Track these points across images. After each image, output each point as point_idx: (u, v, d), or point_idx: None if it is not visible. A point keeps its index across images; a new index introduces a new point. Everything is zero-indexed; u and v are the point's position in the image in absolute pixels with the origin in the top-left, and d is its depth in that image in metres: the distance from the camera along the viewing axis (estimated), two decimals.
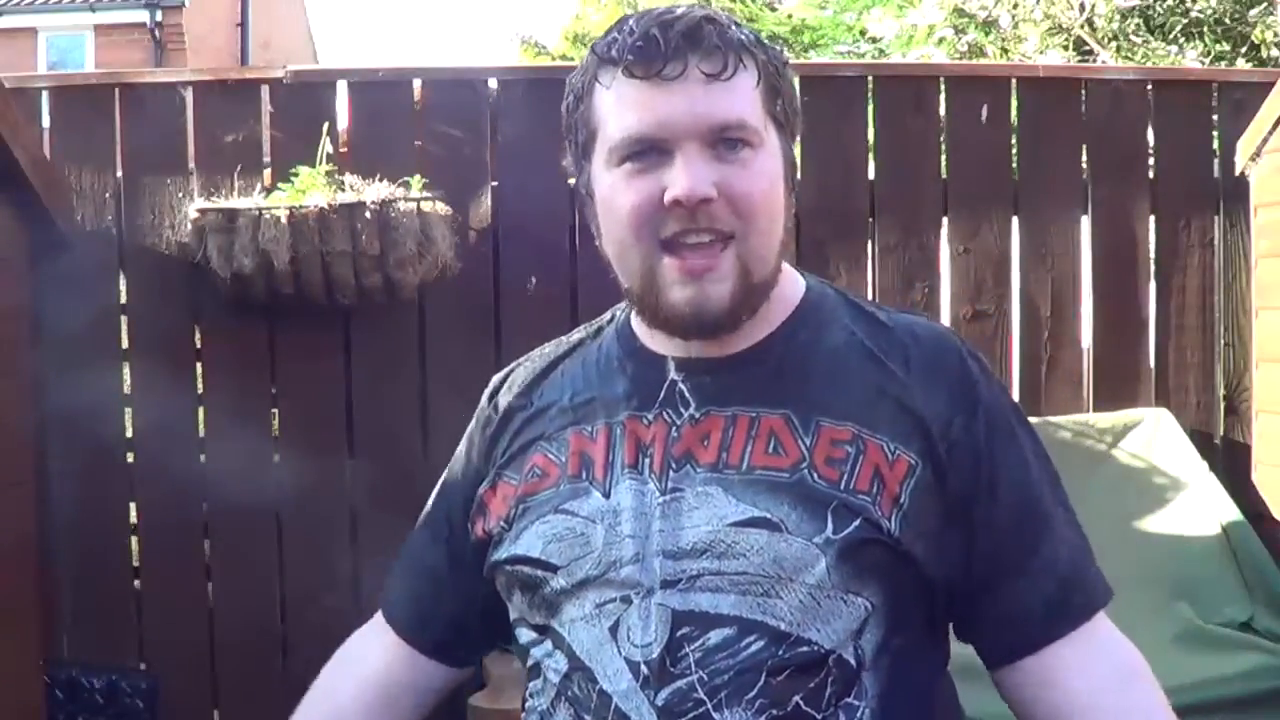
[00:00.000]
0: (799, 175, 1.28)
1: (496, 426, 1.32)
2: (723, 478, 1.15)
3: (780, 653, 1.10)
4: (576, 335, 1.35)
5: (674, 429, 1.19)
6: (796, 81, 1.24)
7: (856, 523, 1.11)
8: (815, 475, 1.13)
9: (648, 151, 1.14)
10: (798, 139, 1.24)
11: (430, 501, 1.42)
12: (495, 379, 1.37)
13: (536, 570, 1.19)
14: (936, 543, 1.14)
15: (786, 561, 1.10)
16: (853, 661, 1.11)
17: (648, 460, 1.18)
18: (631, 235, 1.16)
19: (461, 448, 1.38)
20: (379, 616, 1.42)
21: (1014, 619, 1.17)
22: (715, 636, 1.10)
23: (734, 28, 1.16)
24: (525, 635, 1.23)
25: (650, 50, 1.12)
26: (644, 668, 1.11)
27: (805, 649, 1.10)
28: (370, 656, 1.39)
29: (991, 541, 1.16)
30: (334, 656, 1.43)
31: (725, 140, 1.14)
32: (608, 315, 1.34)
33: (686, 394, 1.21)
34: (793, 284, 1.27)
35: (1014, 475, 1.18)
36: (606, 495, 1.19)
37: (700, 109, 1.12)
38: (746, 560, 1.11)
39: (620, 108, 1.15)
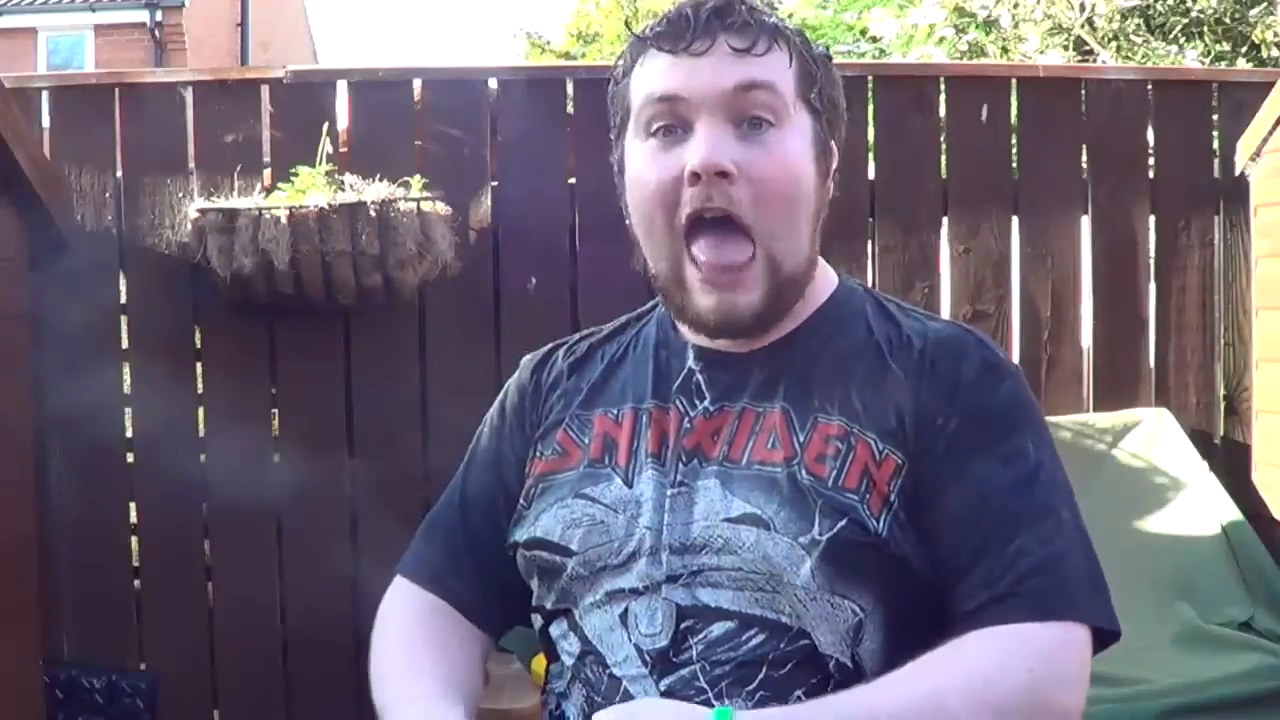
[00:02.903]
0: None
1: (542, 399, 1.31)
2: (723, 472, 1.16)
3: (782, 646, 1.10)
4: (620, 320, 1.36)
5: (687, 419, 1.20)
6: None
7: (842, 523, 1.11)
8: (805, 472, 1.14)
9: (672, 125, 1.15)
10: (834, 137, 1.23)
11: (461, 472, 1.37)
12: (531, 356, 1.36)
13: (555, 555, 1.20)
14: (924, 542, 1.12)
15: (774, 560, 1.11)
16: (851, 666, 1.10)
17: (668, 451, 1.19)
18: (653, 216, 1.17)
19: (498, 421, 1.35)
20: (400, 582, 1.34)
21: (961, 622, 1.10)
22: (718, 629, 1.12)
23: (770, 15, 1.17)
24: (542, 618, 1.24)
25: (679, 25, 1.14)
26: (650, 655, 1.13)
27: (807, 643, 1.10)
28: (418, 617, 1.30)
29: (938, 546, 1.12)
30: (385, 631, 1.30)
31: (749, 119, 1.14)
32: (654, 302, 1.33)
33: (703, 386, 1.21)
34: (822, 283, 1.26)
35: (972, 482, 1.12)
36: (629, 484, 1.19)
37: (724, 74, 1.13)
38: (739, 557, 1.12)
39: (648, 77, 1.17)
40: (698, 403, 1.21)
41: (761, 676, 1.10)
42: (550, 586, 1.22)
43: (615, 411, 1.24)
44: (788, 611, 1.10)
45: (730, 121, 1.14)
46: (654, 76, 1.16)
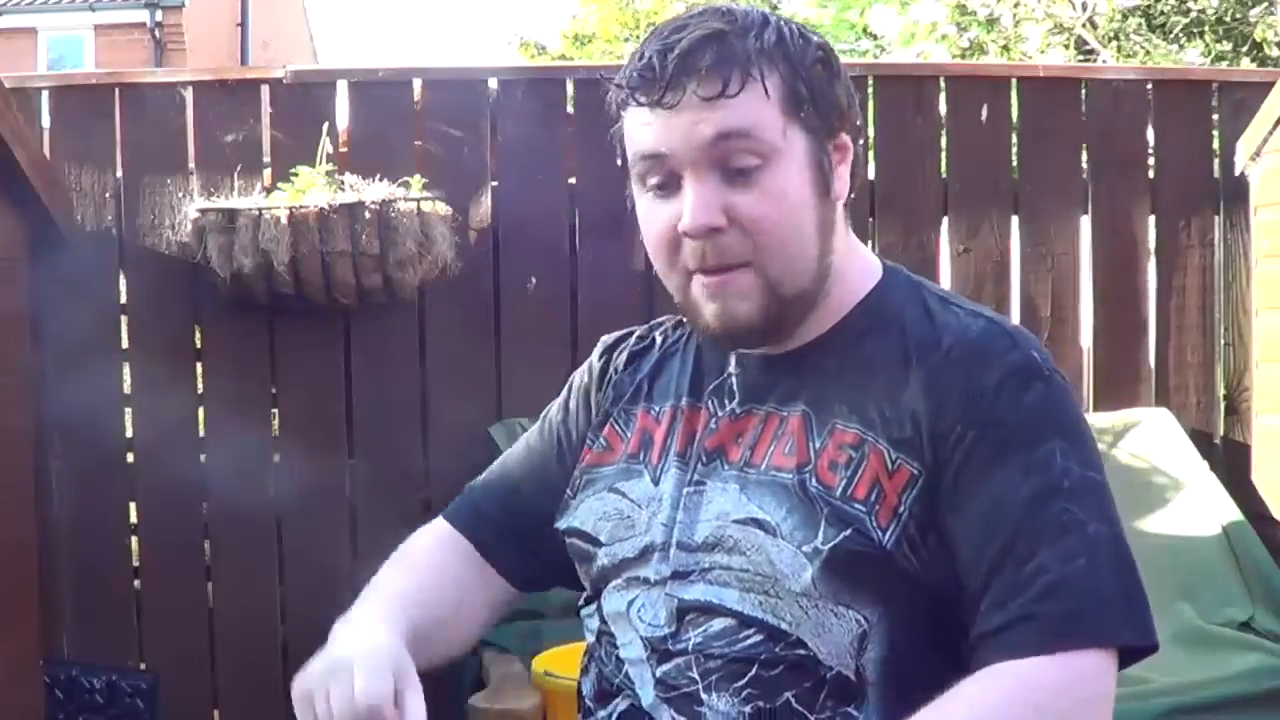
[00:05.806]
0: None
1: (603, 386, 1.35)
2: (742, 476, 1.17)
3: (777, 649, 1.11)
4: (678, 317, 1.36)
5: (713, 420, 1.22)
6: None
7: (847, 533, 1.09)
8: (815, 480, 1.13)
9: (663, 176, 1.14)
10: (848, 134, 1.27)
11: (527, 432, 1.44)
12: (607, 337, 1.39)
13: (587, 545, 1.26)
14: (937, 556, 1.10)
15: (777, 566, 1.11)
16: (853, 678, 1.10)
17: (692, 450, 1.22)
18: (661, 263, 1.19)
19: (566, 394, 1.40)
20: (439, 523, 1.41)
21: (975, 647, 1.07)
22: (717, 624, 1.14)
23: (747, 37, 1.13)
24: (583, 601, 1.30)
25: (649, 78, 1.12)
26: (650, 642, 1.18)
27: (803, 651, 1.10)
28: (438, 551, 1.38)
29: (956, 562, 1.09)
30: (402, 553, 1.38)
31: (732, 160, 1.12)
32: None
33: (734, 387, 1.23)
34: (861, 277, 1.24)
35: (989, 495, 1.08)
36: (656, 482, 1.23)
37: (699, 129, 1.11)
38: (746, 558, 1.13)
39: (634, 132, 1.16)
40: (726, 403, 1.22)
41: (752, 675, 1.11)
42: (587, 573, 1.27)
43: (658, 409, 1.28)
44: (788, 618, 1.11)
45: (716, 170, 1.12)
46: (637, 129, 1.15)
